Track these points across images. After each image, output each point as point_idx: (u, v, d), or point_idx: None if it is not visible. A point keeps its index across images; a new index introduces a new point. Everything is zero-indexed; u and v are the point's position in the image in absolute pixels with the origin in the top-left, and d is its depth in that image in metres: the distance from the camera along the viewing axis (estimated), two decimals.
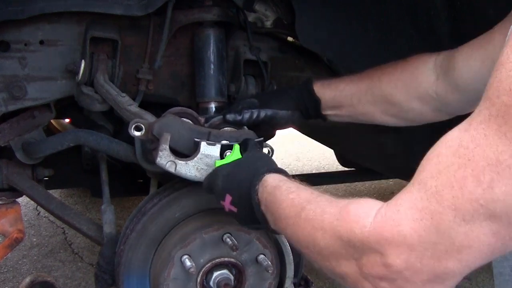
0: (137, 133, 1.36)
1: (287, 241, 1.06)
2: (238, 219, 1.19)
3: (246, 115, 1.45)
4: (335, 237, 0.87)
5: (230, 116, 1.44)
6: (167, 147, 1.30)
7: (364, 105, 1.44)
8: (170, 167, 1.30)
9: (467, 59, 1.20)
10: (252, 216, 1.12)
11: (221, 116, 1.47)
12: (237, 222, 1.21)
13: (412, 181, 0.80)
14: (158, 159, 1.29)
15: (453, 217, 0.73)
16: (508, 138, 0.69)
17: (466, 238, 0.74)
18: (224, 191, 1.18)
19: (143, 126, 1.36)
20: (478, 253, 0.75)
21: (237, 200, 1.15)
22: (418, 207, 0.76)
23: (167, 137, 1.31)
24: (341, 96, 1.46)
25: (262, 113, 1.47)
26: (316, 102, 1.47)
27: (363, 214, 0.83)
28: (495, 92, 0.71)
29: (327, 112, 1.51)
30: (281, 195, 1.03)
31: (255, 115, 1.45)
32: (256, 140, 1.36)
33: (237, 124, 1.45)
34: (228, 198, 1.16)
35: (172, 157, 1.30)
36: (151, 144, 1.38)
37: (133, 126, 1.35)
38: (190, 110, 1.44)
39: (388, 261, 0.78)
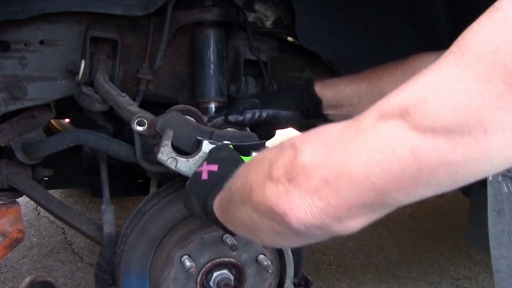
0: (139, 128, 1.36)
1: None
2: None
3: (248, 116, 1.45)
4: (264, 152, 0.85)
5: (232, 117, 1.45)
6: (169, 143, 1.30)
7: (364, 105, 1.43)
8: (171, 164, 1.30)
9: None
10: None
11: (224, 117, 1.47)
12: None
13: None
14: (160, 155, 1.29)
15: (377, 118, 0.69)
16: (460, 67, 0.65)
17: (380, 140, 0.68)
18: (189, 196, 1.19)
19: (145, 121, 1.36)
20: (387, 164, 0.67)
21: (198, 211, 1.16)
22: (355, 118, 0.74)
23: (169, 134, 1.30)
24: (341, 96, 1.47)
25: (264, 113, 1.47)
26: (316, 102, 1.48)
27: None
28: (466, 37, 0.69)
29: (328, 112, 1.51)
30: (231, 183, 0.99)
31: (256, 116, 1.46)
32: (259, 142, 1.36)
33: (239, 125, 1.45)
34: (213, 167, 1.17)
35: (173, 154, 1.30)
36: (153, 140, 1.38)
37: (136, 120, 1.35)
38: (194, 109, 1.44)
39: (298, 152, 0.74)
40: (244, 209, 0.85)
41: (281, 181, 0.74)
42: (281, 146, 0.81)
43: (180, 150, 1.33)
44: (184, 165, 1.30)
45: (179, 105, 1.43)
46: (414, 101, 0.67)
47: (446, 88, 0.65)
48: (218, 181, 1.10)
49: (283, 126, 1.56)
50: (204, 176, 1.16)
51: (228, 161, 1.18)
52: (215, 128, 1.40)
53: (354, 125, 0.72)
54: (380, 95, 1.38)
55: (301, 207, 0.72)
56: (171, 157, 1.30)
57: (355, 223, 0.74)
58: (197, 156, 1.30)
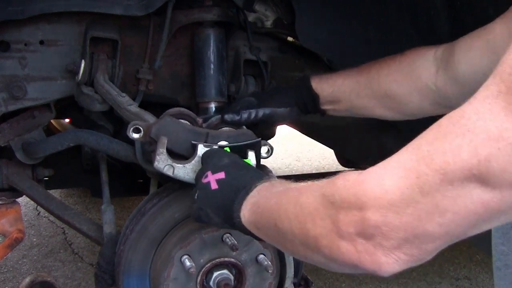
0: (135, 135, 1.36)
1: (262, 221, 1.01)
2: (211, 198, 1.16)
3: (245, 115, 1.45)
4: (317, 195, 0.85)
5: (228, 117, 1.45)
6: (164, 151, 1.29)
7: (362, 99, 1.44)
8: (168, 171, 1.30)
9: (467, 51, 1.20)
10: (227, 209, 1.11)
11: (219, 116, 1.47)
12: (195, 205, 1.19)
13: (407, 145, 0.78)
14: (156, 163, 1.29)
15: (440, 181, 0.71)
16: None
17: (451, 203, 0.71)
18: (203, 209, 1.16)
19: (141, 128, 1.36)
20: (462, 220, 0.72)
21: (218, 222, 1.14)
22: (405, 167, 0.74)
23: (164, 141, 1.30)
24: (339, 91, 1.46)
25: (260, 112, 1.47)
26: (314, 97, 1.48)
27: (349, 174, 0.82)
28: (507, 68, 0.69)
29: (326, 107, 1.51)
30: (267, 202, 1.00)
31: (253, 115, 1.46)
32: (255, 140, 1.36)
33: (236, 124, 1.45)
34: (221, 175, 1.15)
35: (169, 161, 1.30)
36: (149, 146, 1.38)
37: (132, 128, 1.35)
38: (187, 111, 1.44)
39: (366, 215, 0.75)
40: (311, 254, 0.89)
41: (357, 241, 0.78)
42: (331, 197, 0.81)
43: (177, 155, 1.33)
44: (182, 171, 1.30)
45: (172, 109, 1.42)
46: (477, 161, 0.68)
47: (506, 143, 0.67)
48: (230, 187, 1.11)
49: (280, 123, 1.57)
50: (214, 185, 1.14)
51: (233, 166, 1.18)
52: (210, 129, 1.40)
53: (415, 186, 0.73)
54: (379, 89, 1.37)
55: (388, 263, 0.76)
56: (168, 164, 1.30)
57: (430, 257, 0.80)
58: (193, 161, 1.30)
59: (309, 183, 0.92)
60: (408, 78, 1.35)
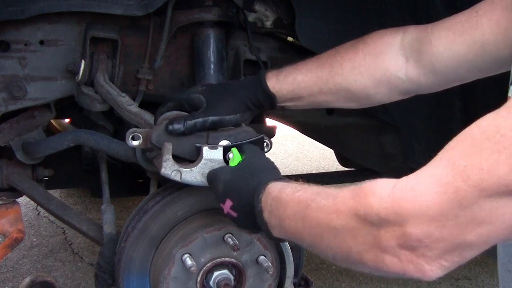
0: (135, 143, 1.35)
1: (295, 240, 1.04)
2: (237, 223, 1.19)
3: (190, 124, 1.34)
4: (351, 215, 0.85)
5: (172, 127, 1.33)
6: (170, 157, 1.29)
7: (325, 94, 1.38)
8: (175, 176, 1.29)
9: (450, 44, 1.18)
10: (253, 222, 1.12)
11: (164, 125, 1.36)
12: (235, 225, 1.21)
13: (439, 156, 0.79)
14: (163, 169, 1.28)
15: (478, 196, 0.73)
16: None
17: (489, 215, 0.74)
18: (225, 195, 1.17)
19: (140, 135, 1.35)
20: (499, 230, 0.76)
21: (238, 206, 1.14)
22: (442, 182, 0.76)
23: (169, 147, 1.30)
24: (300, 88, 1.38)
25: (207, 121, 1.35)
26: (271, 98, 1.39)
27: (379, 188, 0.82)
28: None
29: (285, 104, 1.44)
30: (287, 196, 1.02)
31: (199, 124, 1.34)
32: (257, 137, 1.36)
33: (180, 135, 1.34)
34: (229, 202, 1.15)
35: (176, 166, 1.29)
36: (150, 153, 1.38)
37: (130, 136, 1.35)
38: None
39: (407, 231, 0.78)
40: (355, 267, 0.91)
41: (401, 253, 0.80)
42: (367, 217, 0.83)
43: (180, 158, 1.32)
44: (189, 175, 1.30)
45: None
46: None
47: None
48: (242, 211, 1.14)
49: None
50: (233, 215, 1.16)
51: (231, 188, 1.18)
52: (208, 130, 1.38)
53: (454, 201, 0.75)
54: (343, 83, 1.34)
55: (432, 270, 0.80)
56: (175, 170, 1.29)
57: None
58: (200, 164, 1.30)
59: (329, 199, 0.92)
60: (375, 71, 1.31)
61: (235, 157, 1.29)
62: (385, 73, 1.30)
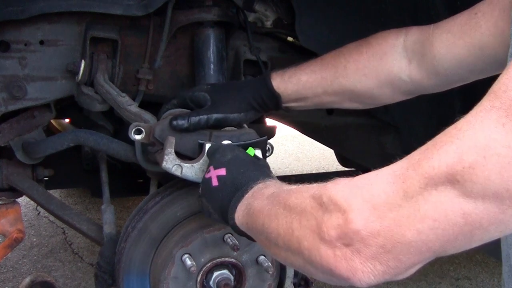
0: (137, 137, 1.36)
1: (253, 224, 1.01)
2: (210, 193, 1.17)
3: (194, 121, 1.34)
4: (305, 196, 0.86)
5: (176, 123, 1.33)
6: (173, 150, 1.29)
7: (330, 95, 1.39)
8: (176, 171, 1.30)
9: (450, 47, 1.18)
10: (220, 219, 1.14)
11: (168, 120, 1.37)
12: (202, 197, 1.20)
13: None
14: (164, 163, 1.29)
15: (425, 185, 0.72)
16: (505, 129, 0.67)
17: (432, 209, 0.72)
18: (225, 165, 1.17)
19: (143, 129, 1.35)
20: (441, 230, 0.72)
21: (227, 178, 1.14)
22: (396, 173, 0.76)
23: (172, 141, 1.30)
24: (305, 88, 1.39)
25: (211, 118, 1.36)
26: (276, 98, 1.40)
27: (341, 179, 0.83)
28: (502, 86, 0.70)
29: (290, 105, 1.45)
30: (259, 206, 1.00)
31: (203, 121, 1.35)
32: (260, 139, 1.36)
33: (184, 131, 1.34)
34: (222, 172, 1.15)
35: (177, 161, 1.29)
36: (152, 147, 1.38)
37: (133, 129, 1.35)
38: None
39: (348, 217, 0.76)
40: (291, 256, 0.89)
41: (337, 246, 0.78)
42: (319, 199, 0.82)
43: (181, 155, 1.32)
44: (190, 170, 1.30)
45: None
46: (461, 167, 0.69)
47: (493, 153, 0.67)
48: (228, 186, 1.11)
49: (234, 126, 1.49)
50: (215, 182, 1.14)
51: (234, 163, 1.17)
52: (212, 129, 1.38)
53: (401, 190, 0.74)
54: (348, 84, 1.35)
55: (363, 271, 0.76)
56: (176, 164, 1.29)
57: (408, 273, 0.79)
58: (201, 160, 1.30)
59: (302, 185, 0.93)
60: (379, 72, 1.31)
61: None
62: (389, 74, 1.31)
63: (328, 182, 0.85)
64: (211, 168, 1.18)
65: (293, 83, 1.40)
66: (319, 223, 0.81)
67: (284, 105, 1.43)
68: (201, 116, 1.35)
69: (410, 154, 0.78)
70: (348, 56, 1.36)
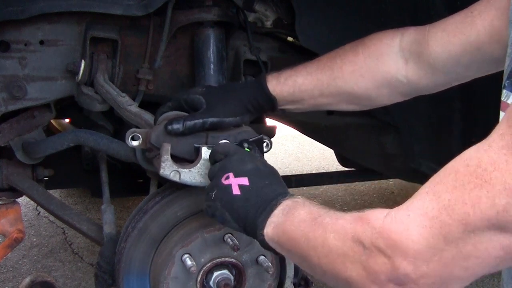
0: (134, 143, 1.36)
1: (289, 248, 1.03)
2: (232, 206, 1.14)
3: (189, 124, 1.33)
4: (346, 238, 0.88)
5: (171, 127, 1.32)
6: (169, 157, 1.29)
7: (326, 97, 1.38)
8: (174, 177, 1.30)
9: (446, 45, 1.18)
10: (249, 219, 1.11)
11: (163, 125, 1.36)
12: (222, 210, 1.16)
13: (425, 189, 0.81)
14: (162, 170, 1.29)
15: (462, 230, 0.76)
16: None
17: (473, 249, 0.76)
18: (246, 174, 1.14)
19: (140, 135, 1.35)
20: (485, 264, 0.78)
21: (250, 188, 1.12)
22: (428, 215, 0.78)
23: (167, 148, 1.30)
24: (301, 91, 1.38)
25: (207, 123, 1.34)
26: (272, 101, 1.39)
27: (374, 217, 0.85)
28: None
29: (286, 107, 1.43)
30: (294, 232, 1.01)
31: (198, 125, 1.34)
32: (257, 137, 1.36)
33: (178, 135, 1.34)
34: (244, 181, 1.13)
35: (175, 167, 1.29)
36: (150, 153, 1.38)
37: (130, 136, 1.35)
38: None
39: (396, 264, 0.80)
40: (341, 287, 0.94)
41: (389, 286, 0.83)
42: (360, 243, 0.85)
43: (179, 159, 1.32)
44: (188, 175, 1.30)
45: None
46: (496, 212, 0.73)
47: None
48: (254, 198, 1.10)
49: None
50: (236, 191, 1.12)
51: (256, 173, 1.15)
52: (208, 131, 1.38)
53: (440, 236, 0.77)
54: (344, 85, 1.35)
55: None
56: (174, 171, 1.29)
57: None
58: (198, 164, 1.30)
59: (333, 217, 0.94)
60: (375, 73, 1.31)
61: None
62: (385, 75, 1.30)
63: (363, 221, 0.86)
64: (231, 175, 1.14)
65: (289, 85, 1.38)
66: (366, 267, 0.84)
67: (280, 107, 1.42)
68: (196, 121, 1.33)
69: (435, 190, 0.80)
70: (344, 57, 1.35)
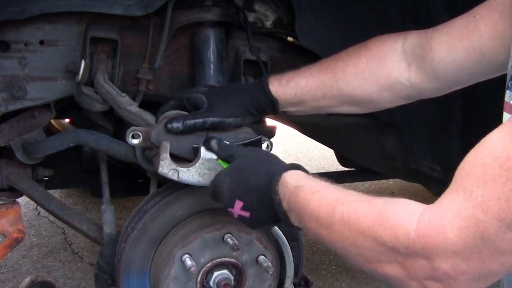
0: (135, 141, 1.36)
1: (316, 240, 1.05)
2: (250, 223, 1.17)
3: (189, 124, 1.33)
4: (377, 242, 0.88)
5: (171, 126, 1.33)
6: (168, 155, 1.29)
7: (329, 99, 1.38)
8: (172, 175, 1.30)
9: (450, 50, 1.18)
10: (268, 217, 1.12)
11: (163, 124, 1.36)
12: (246, 226, 1.19)
13: (454, 186, 0.82)
14: (160, 168, 1.29)
15: (498, 227, 0.76)
16: None
17: (510, 244, 0.77)
18: (233, 197, 1.15)
19: (140, 133, 1.36)
20: None
21: (251, 204, 1.13)
22: (463, 216, 0.79)
23: (166, 146, 1.30)
24: (303, 93, 1.38)
25: (207, 122, 1.35)
26: (274, 103, 1.39)
27: (405, 220, 0.85)
28: None
29: (288, 109, 1.43)
30: (305, 194, 1.02)
31: (199, 124, 1.34)
32: (255, 138, 1.36)
33: (178, 134, 1.34)
34: (239, 204, 1.14)
35: (173, 165, 1.30)
36: (150, 151, 1.38)
37: (130, 134, 1.35)
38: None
39: (435, 265, 0.82)
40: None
41: (428, 283, 0.85)
42: (395, 247, 0.86)
43: (179, 158, 1.32)
44: (186, 174, 1.30)
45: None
46: None
47: None
48: (258, 205, 1.13)
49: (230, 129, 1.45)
50: (245, 214, 1.15)
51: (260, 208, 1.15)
52: (208, 131, 1.38)
53: (477, 235, 0.78)
54: (347, 88, 1.35)
55: None
56: (172, 169, 1.30)
57: None
58: (197, 164, 1.30)
59: (345, 205, 0.94)
60: (378, 76, 1.31)
61: None
62: (388, 78, 1.30)
63: (390, 223, 0.86)
64: (230, 210, 1.17)
65: (291, 87, 1.38)
66: (404, 267, 0.86)
67: (282, 109, 1.42)
68: (196, 120, 1.34)
69: (465, 187, 0.80)
70: (347, 59, 1.35)
